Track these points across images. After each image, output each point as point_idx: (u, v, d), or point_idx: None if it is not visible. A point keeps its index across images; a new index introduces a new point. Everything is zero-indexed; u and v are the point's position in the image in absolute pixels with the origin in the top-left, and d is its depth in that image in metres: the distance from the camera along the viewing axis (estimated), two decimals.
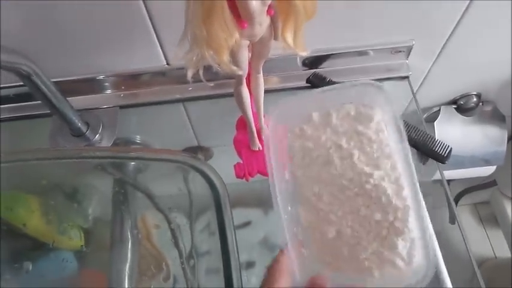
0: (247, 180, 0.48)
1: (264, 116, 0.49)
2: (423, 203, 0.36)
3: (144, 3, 0.45)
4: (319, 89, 0.40)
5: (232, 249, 0.37)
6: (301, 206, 0.38)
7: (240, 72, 0.36)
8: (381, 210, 0.36)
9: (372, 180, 0.36)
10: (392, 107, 0.38)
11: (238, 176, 0.48)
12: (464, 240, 0.50)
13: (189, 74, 0.35)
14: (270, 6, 0.32)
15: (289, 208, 0.38)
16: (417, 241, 0.35)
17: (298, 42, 0.36)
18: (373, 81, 0.40)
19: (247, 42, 0.35)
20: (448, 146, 0.49)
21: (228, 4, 0.30)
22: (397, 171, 0.37)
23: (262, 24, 0.33)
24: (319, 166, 0.39)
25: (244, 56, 0.36)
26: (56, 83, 0.53)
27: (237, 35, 0.32)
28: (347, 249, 0.36)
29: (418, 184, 0.36)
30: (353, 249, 0.35)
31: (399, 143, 0.37)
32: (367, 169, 0.37)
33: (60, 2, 0.44)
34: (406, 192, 0.36)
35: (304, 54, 0.37)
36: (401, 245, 0.34)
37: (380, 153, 0.38)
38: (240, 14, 0.32)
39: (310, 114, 0.41)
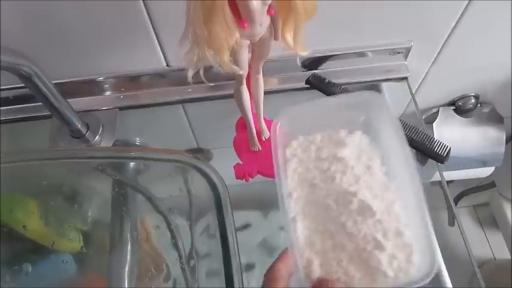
0: (246, 180, 0.48)
1: (263, 118, 0.49)
2: (427, 213, 0.35)
3: (145, 4, 0.45)
4: (324, 100, 0.43)
5: (233, 250, 0.37)
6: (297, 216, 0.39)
7: (241, 72, 0.37)
8: (369, 225, 0.37)
9: (355, 200, 0.37)
10: (392, 116, 0.40)
11: (238, 177, 0.48)
12: (464, 241, 0.49)
13: (190, 74, 0.36)
14: (270, 6, 0.32)
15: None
16: (416, 247, 0.35)
17: (298, 42, 0.36)
18: (373, 92, 0.41)
19: (248, 42, 0.35)
20: (447, 146, 0.49)
21: (229, 4, 0.31)
22: (386, 184, 0.39)
23: (262, 24, 0.33)
24: (308, 187, 0.40)
25: (245, 56, 0.36)
26: (56, 84, 0.53)
27: (237, 35, 0.33)
28: (342, 260, 0.36)
29: (422, 191, 0.35)
30: (345, 262, 0.36)
31: (400, 148, 0.38)
32: (351, 189, 0.38)
33: (60, 3, 0.45)
34: (397, 206, 0.37)
35: (304, 54, 0.37)
36: (385, 261, 0.35)
37: (362, 173, 0.39)
38: (240, 14, 0.32)
39: (308, 129, 0.43)
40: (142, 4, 0.45)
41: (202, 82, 0.36)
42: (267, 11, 0.33)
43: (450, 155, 0.49)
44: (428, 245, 0.34)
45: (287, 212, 0.36)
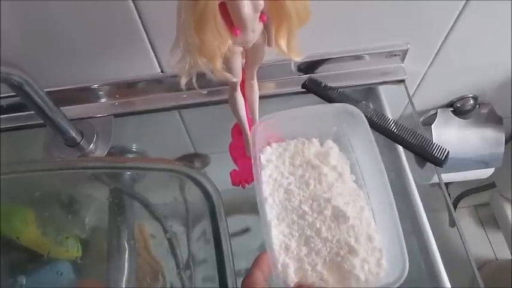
0: (243, 187, 0.47)
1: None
2: (396, 217, 0.37)
3: (138, 12, 0.45)
4: (301, 110, 0.44)
5: (228, 258, 0.37)
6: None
7: (234, 79, 0.36)
8: (342, 231, 0.38)
9: (329, 206, 0.39)
10: (367, 128, 0.42)
11: (234, 184, 0.48)
12: (463, 243, 0.49)
13: (182, 81, 0.35)
14: (262, 13, 0.32)
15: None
16: (385, 251, 0.37)
17: (292, 48, 0.36)
18: (349, 105, 0.43)
19: (241, 48, 0.35)
20: (446, 149, 0.48)
21: (220, 11, 0.30)
22: (357, 191, 0.42)
23: (255, 30, 0.33)
24: (283, 193, 0.42)
25: (238, 62, 0.36)
26: (50, 92, 0.53)
27: (230, 42, 0.32)
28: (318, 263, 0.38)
29: (392, 198, 0.37)
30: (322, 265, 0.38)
31: (372, 158, 0.40)
32: (324, 195, 0.40)
33: (54, 11, 0.44)
34: (367, 212, 0.40)
35: (299, 59, 0.36)
36: (358, 265, 0.36)
37: (335, 180, 0.42)
38: (232, 21, 0.31)
39: (285, 136, 0.46)
40: (135, 12, 0.45)
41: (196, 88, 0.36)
42: (260, 17, 0.32)
43: (449, 157, 0.48)
44: (399, 250, 0.35)
45: (263, 217, 0.37)
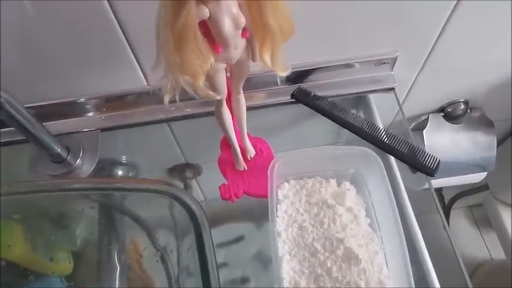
0: (232, 201, 0.47)
1: (248, 135, 0.48)
2: (408, 265, 0.37)
3: (121, 28, 0.44)
4: (320, 149, 0.47)
5: (213, 276, 0.36)
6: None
7: (218, 97, 0.35)
8: (353, 273, 0.38)
9: (342, 246, 0.39)
10: (383, 172, 0.43)
11: (223, 198, 0.47)
12: (452, 246, 0.49)
13: (166, 99, 0.34)
14: (244, 29, 0.31)
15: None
16: None
17: (276, 63, 0.35)
18: (368, 149, 0.44)
19: (224, 65, 0.34)
20: (437, 158, 0.48)
21: (201, 28, 0.29)
22: (371, 235, 0.42)
23: (237, 47, 0.32)
24: (297, 229, 0.42)
25: (221, 78, 0.35)
26: (35, 107, 0.52)
27: (212, 60, 0.32)
28: None
29: (405, 245, 0.38)
30: None
31: (387, 202, 0.40)
32: (338, 235, 0.40)
33: (37, 28, 0.44)
34: (380, 257, 0.40)
35: (284, 74, 0.36)
36: None
37: (349, 222, 0.42)
38: (213, 38, 0.31)
39: (302, 174, 0.46)
40: (118, 27, 0.44)
41: (185, 99, 0.35)
42: (242, 34, 0.32)
43: (442, 161, 0.48)
44: None
45: (274, 252, 0.37)
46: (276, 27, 0.31)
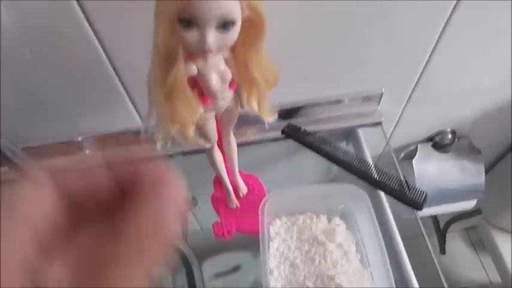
0: (225, 239, 0.48)
1: (240, 172, 0.49)
2: None
3: (115, 70, 0.46)
4: (309, 187, 0.49)
5: None
6: None
7: (208, 146, 0.37)
8: None
9: (332, 284, 0.40)
10: (370, 210, 0.44)
11: (217, 235, 0.48)
12: (438, 272, 0.50)
13: (159, 146, 0.36)
14: (232, 81, 0.33)
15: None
16: None
17: (263, 110, 0.37)
18: (355, 187, 0.46)
19: (213, 113, 0.36)
20: (424, 192, 0.49)
21: (190, 82, 0.31)
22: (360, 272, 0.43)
23: (225, 98, 0.34)
24: (288, 266, 0.43)
25: (211, 126, 0.37)
26: (32, 148, 0.54)
27: (201, 110, 0.33)
28: None
29: (393, 281, 0.39)
30: None
31: (375, 238, 0.42)
32: (328, 273, 0.41)
33: (34, 72, 0.45)
34: None
35: (271, 120, 0.38)
36: None
37: (340, 258, 0.43)
38: (202, 90, 0.32)
39: (293, 210, 0.48)
40: (111, 69, 0.46)
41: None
42: (229, 85, 0.33)
43: (433, 190, 0.49)
44: None
45: None
46: (262, 80, 0.33)
